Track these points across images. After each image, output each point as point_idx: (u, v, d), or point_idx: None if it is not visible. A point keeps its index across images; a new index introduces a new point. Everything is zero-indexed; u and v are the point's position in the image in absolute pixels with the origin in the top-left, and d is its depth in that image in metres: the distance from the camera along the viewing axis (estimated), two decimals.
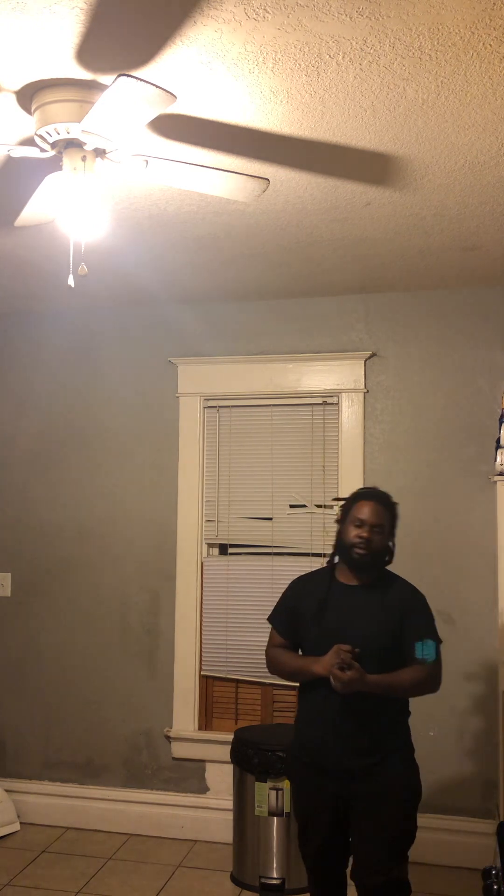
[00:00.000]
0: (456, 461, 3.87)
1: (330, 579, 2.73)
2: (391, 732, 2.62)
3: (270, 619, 2.85)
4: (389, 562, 2.74)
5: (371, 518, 2.63)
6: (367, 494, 2.72)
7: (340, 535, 2.70)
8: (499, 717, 3.59)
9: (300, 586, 2.82)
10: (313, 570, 2.94)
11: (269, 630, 2.83)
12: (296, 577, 2.88)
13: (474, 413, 3.86)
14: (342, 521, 2.71)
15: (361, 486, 3.93)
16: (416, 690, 2.62)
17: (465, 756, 3.73)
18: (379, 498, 2.69)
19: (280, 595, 2.87)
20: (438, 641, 2.63)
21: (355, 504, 2.68)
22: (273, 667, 2.79)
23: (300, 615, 2.72)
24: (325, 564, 2.87)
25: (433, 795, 3.73)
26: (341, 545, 2.69)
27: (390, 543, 2.72)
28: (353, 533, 2.63)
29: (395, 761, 2.60)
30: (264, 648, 2.85)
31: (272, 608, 2.87)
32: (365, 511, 2.64)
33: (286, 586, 2.88)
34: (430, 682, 2.62)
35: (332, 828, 2.63)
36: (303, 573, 2.91)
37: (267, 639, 2.83)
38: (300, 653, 2.75)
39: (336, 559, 2.75)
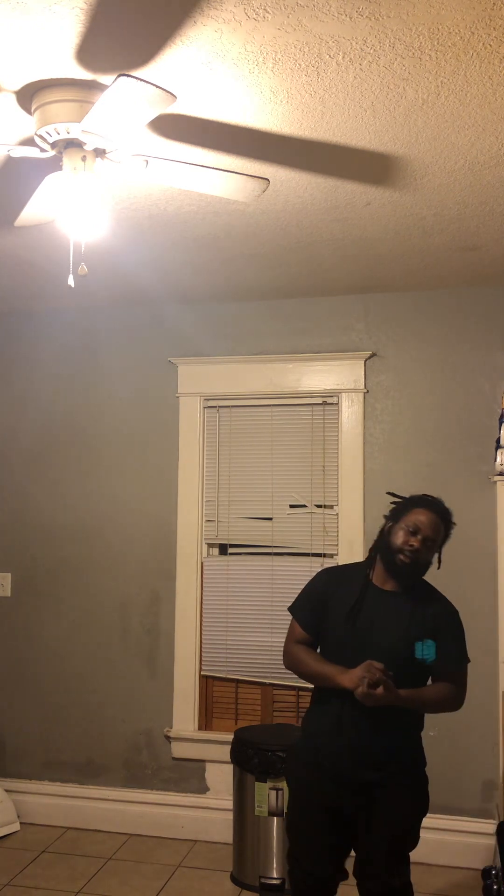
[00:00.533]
0: (456, 461, 3.87)
1: (366, 579, 2.59)
2: (406, 746, 2.57)
3: (293, 609, 2.69)
4: (426, 571, 2.63)
5: (427, 529, 2.51)
6: (430, 503, 2.57)
7: (387, 536, 2.56)
8: (499, 717, 3.59)
9: (330, 581, 2.67)
10: (344, 564, 2.85)
11: (289, 622, 2.69)
12: (323, 568, 2.79)
13: (474, 413, 3.86)
14: (393, 520, 2.57)
15: (361, 486, 3.96)
16: (439, 707, 2.57)
17: (465, 756, 3.73)
18: (441, 511, 2.56)
19: (308, 584, 2.71)
20: (467, 661, 2.57)
21: (415, 509, 2.54)
22: (292, 664, 2.65)
23: (328, 611, 2.59)
24: (320, 566, 2.80)
25: (433, 795, 3.72)
26: (385, 546, 2.55)
27: (435, 558, 2.61)
28: (404, 539, 2.50)
29: (407, 774, 2.54)
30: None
31: (294, 599, 2.72)
32: (423, 520, 2.51)
33: (311, 578, 2.73)
34: (455, 700, 2.56)
35: (330, 832, 2.55)
36: (331, 566, 2.85)
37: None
38: (318, 649, 2.66)
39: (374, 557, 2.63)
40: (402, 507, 2.58)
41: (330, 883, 2.58)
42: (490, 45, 1.88)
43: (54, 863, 3.78)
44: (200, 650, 4.13)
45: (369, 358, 3.99)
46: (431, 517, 2.52)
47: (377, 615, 2.52)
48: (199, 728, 4.11)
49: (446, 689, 2.53)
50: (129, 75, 1.74)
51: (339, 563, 4.02)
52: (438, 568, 2.61)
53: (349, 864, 2.62)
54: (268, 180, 2.33)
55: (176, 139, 2.35)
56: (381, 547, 2.57)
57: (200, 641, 4.13)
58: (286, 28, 1.82)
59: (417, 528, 2.50)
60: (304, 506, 4.05)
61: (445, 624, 2.54)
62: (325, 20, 1.79)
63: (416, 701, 2.49)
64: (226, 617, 4.11)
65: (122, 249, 3.31)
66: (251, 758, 3.52)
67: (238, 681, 4.09)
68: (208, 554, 4.19)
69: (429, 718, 3.72)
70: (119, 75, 1.74)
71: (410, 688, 2.47)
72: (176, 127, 2.28)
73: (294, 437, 4.10)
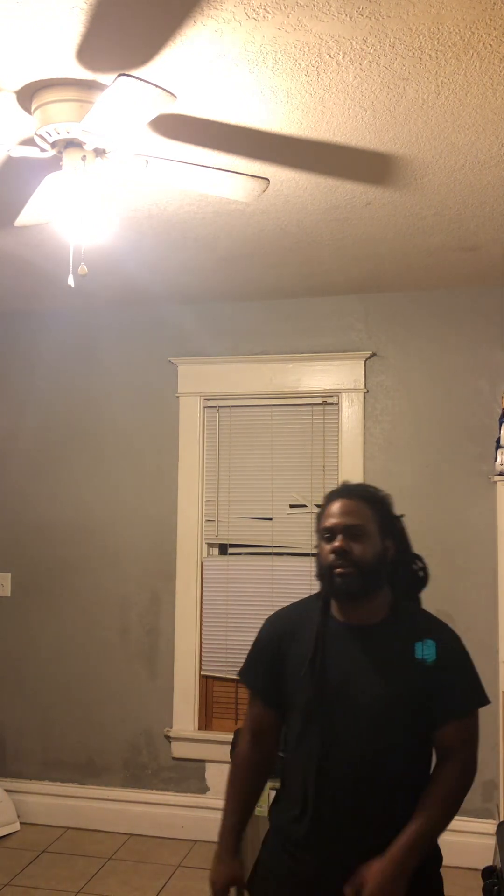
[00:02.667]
0: (456, 461, 3.87)
1: (324, 616, 1.91)
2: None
3: (242, 674, 2.05)
4: (419, 585, 1.99)
5: (343, 517, 1.85)
6: (338, 491, 1.96)
7: (318, 561, 1.91)
8: (499, 717, 3.59)
9: (280, 627, 1.99)
10: (295, 602, 2.05)
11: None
12: (274, 611, 2.06)
13: (474, 413, 3.86)
14: (318, 540, 1.92)
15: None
16: (455, 801, 1.84)
17: None
18: (356, 492, 1.92)
19: (254, 639, 2.04)
20: (484, 701, 1.93)
21: (324, 509, 1.91)
22: (228, 772, 2.04)
23: (285, 669, 1.92)
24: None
25: None
26: (320, 573, 1.90)
27: (404, 556, 1.95)
28: (326, 550, 1.86)
29: (420, 878, 1.80)
30: None
31: (245, 656, 2.05)
32: (334, 510, 1.87)
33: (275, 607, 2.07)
34: (466, 773, 1.89)
35: None
36: (282, 607, 2.06)
37: None
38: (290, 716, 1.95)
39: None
40: (317, 515, 1.96)
41: None
42: (490, 45, 1.88)
43: (54, 863, 3.78)
44: (200, 650, 4.13)
45: (369, 358, 3.99)
46: (344, 503, 1.87)
47: (348, 663, 1.86)
48: (199, 728, 4.11)
49: (452, 772, 1.85)
50: (128, 75, 1.74)
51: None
52: (424, 576, 2.01)
53: None
54: (268, 180, 2.33)
55: (176, 139, 2.35)
56: (319, 579, 1.92)
57: (200, 641, 4.13)
58: (286, 28, 1.82)
59: (332, 526, 1.86)
60: (304, 506, 4.05)
61: (447, 658, 1.87)
62: (325, 20, 1.79)
63: (423, 838, 1.76)
64: (226, 617, 4.10)
65: (121, 249, 3.31)
66: None
67: (238, 681, 4.09)
68: (208, 554, 4.19)
69: None
70: (119, 75, 1.74)
71: (410, 756, 1.84)
72: (176, 126, 2.28)
73: (294, 437, 4.10)
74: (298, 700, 1.89)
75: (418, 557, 1.99)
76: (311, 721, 1.86)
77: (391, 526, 1.92)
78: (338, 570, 1.83)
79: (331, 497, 1.93)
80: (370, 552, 1.84)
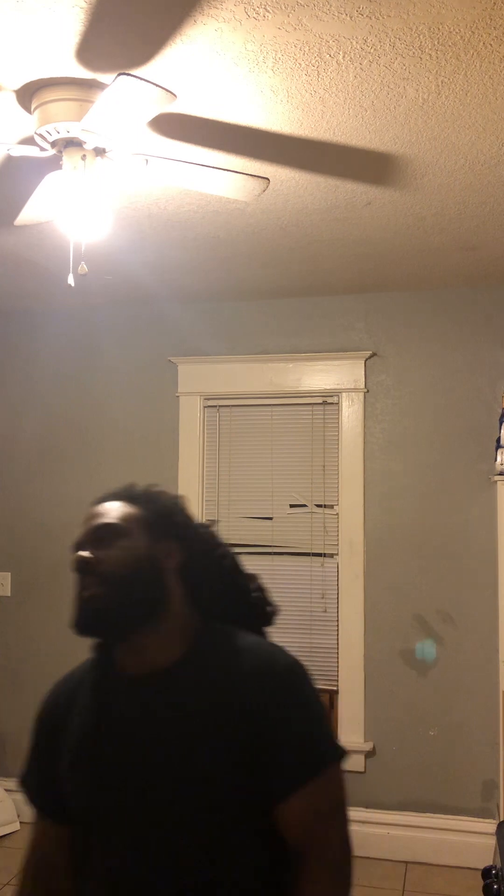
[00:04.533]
0: (456, 461, 3.87)
1: (102, 673, 1.41)
2: None
3: (21, 781, 1.53)
4: (261, 617, 1.40)
5: (88, 523, 1.39)
6: (102, 497, 1.43)
7: None
8: (499, 717, 3.59)
9: (53, 703, 1.49)
10: (82, 662, 1.54)
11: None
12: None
13: (474, 413, 3.86)
14: None
15: (361, 485, 3.95)
16: None
17: (465, 756, 3.72)
18: (112, 494, 1.42)
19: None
20: (340, 756, 1.27)
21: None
22: None
23: (62, 761, 1.38)
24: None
25: (433, 795, 3.73)
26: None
27: (217, 569, 1.38)
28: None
29: None
30: None
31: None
32: (88, 514, 1.40)
33: None
34: (344, 878, 1.24)
35: None
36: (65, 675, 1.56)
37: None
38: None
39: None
40: None
41: None
42: (491, 45, 1.88)
43: None
44: None
45: (369, 358, 3.99)
46: (98, 507, 1.41)
47: (127, 739, 1.29)
48: None
49: (317, 887, 1.21)
50: (128, 74, 1.74)
51: (340, 563, 3.99)
52: (267, 607, 1.40)
53: None
54: (268, 179, 2.33)
55: (176, 138, 2.35)
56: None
57: None
58: (286, 27, 1.81)
59: (78, 540, 1.40)
60: (305, 505, 4.05)
61: (271, 709, 1.24)
62: (326, 19, 1.78)
63: None
64: None
65: (121, 248, 3.31)
66: None
67: None
68: None
69: (428, 717, 3.73)
70: (119, 74, 1.74)
71: (223, 850, 1.22)
72: (176, 126, 2.27)
73: (294, 436, 4.10)
74: (75, 801, 1.33)
75: (251, 576, 1.39)
76: (91, 826, 1.29)
77: (172, 525, 1.36)
78: (82, 591, 1.32)
79: (98, 500, 1.43)
80: (127, 557, 1.31)
